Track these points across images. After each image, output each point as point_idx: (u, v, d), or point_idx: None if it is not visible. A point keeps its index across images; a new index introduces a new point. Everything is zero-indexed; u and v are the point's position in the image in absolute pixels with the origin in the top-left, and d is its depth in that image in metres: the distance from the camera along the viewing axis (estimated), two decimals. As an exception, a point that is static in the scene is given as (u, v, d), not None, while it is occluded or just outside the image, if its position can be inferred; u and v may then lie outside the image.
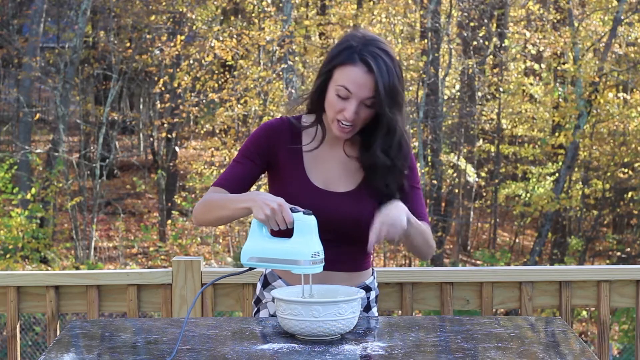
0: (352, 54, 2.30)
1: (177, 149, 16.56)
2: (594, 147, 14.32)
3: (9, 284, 2.94)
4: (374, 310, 2.50)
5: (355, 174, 2.41)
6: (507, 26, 15.14)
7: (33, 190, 12.56)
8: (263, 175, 2.50)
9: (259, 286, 2.52)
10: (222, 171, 13.72)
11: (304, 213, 2.15)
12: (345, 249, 2.36)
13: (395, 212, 2.23)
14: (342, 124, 2.32)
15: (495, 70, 15.33)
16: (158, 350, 1.98)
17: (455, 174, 15.22)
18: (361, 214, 2.36)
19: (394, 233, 2.23)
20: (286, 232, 2.18)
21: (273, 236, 2.21)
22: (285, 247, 2.15)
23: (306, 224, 2.14)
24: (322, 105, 2.39)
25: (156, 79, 15.07)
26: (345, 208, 2.35)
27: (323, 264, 2.15)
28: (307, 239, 2.13)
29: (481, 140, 15.70)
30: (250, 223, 14.43)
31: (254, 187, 2.50)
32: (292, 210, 2.15)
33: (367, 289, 2.46)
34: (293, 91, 13.25)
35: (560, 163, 14.24)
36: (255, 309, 2.52)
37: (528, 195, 14.52)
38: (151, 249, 14.39)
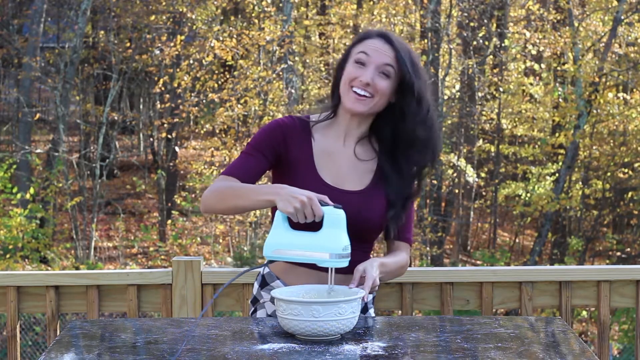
0: (368, 33, 2.41)
1: (177, 149, 16.56)
2: (594, 147, 14.31)
3: (9, 284, 2.94)
4: (371, 311, 2.51)
5: (364, 175, 2.43)
6: (507, 26, 15.13)
7: (32, 190, 12.56)
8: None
9: (256, 286, 2.51)
10: (222, 171, 13.73)
11: (334, 207, 2.14)
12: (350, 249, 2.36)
13: (372, 271, 2.26)
14: (357, 92, 2.35)
15: (495, 70, 15.33)
16: (158, 350, 1.98)
17: (455, 174, 15.22)
18: (372, 212, 2.38)
19: (377, 283, 2.28)
20: (307, 226, 2.18)
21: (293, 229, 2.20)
22: (314, 241, 2.14)
23: (337, 218, 2.14)
24: (338, 96, 2.42)
25: (156, 79, 15.07)
26: (356, 206, 2.36)
27: (349, 258, 2.16)
28: (337, 233, 2.13)
29: (481, 140, 15.70)
30: (250, 223, 14.32)
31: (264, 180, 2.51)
32: (321, 203, 2.15)
33: None
34: (293, 91, 13.25)
35: (560, 163, 14.24)
36: (252, 308, 2.51)
37: (528, 195, 14.52)
38: (151, 249, 14.39)
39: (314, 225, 2.16)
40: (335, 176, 2.40)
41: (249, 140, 2.47)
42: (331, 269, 2.16)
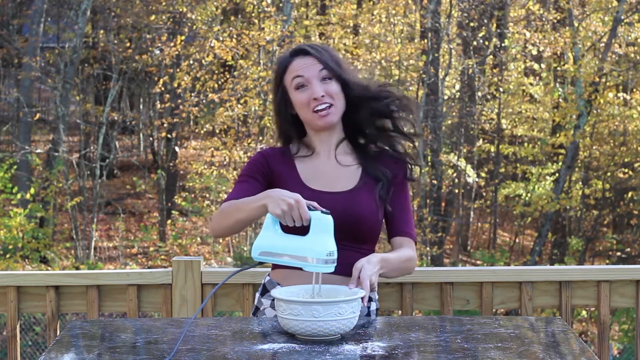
0: (284, 57, 2.49)
1: (177, 149, 16.56)
2: (594, 147, 14.32)
3: (9, 284, 2.94)
4: (373, 305, 2.49)
5: (351, 177, 2.46)
6: (507, 26, 15.13)
7: (32, 190, 12.56)
8: None
9: (257, 295, 2.53)
10: (222, 171, 13.75)
11: (322, 212, 2.14)
12: (345, 251, 2.34)
13: (370, 269, 2.26)
14: (319, 109, 2.41)
15: (495, 70, 15.33)
16: (158, 350, 1.98)
17: (455, 174, 15.22)
18: (361, 207, 2.40)
19: (374, 281, 2.27)
20: (298, 230, 2.18)
21: (284, 232, 2.20)
22: (299, 244, 2.14)
23: (323, 223, 2.14)
24: (297, 125, 2.49)
25: (156, 79, 15.07)
26: (346, 204, 2.38)
27: (335, 264, 2.15)
28: (323, 238, 2.13)
29: (481, 140, 15.70)
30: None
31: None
32: (309, 208, 2.15)
33: (368, 298, 2.44)
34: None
35: (560, 163, 14.24)
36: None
37: (528, 195, 14.52)
38: (151, 249, 14.39)
39: (305, 231, 2.16)
40: (323, 183, 2.44)
41: (238, 174, 2.56)
42: (316, 273, 2.16)
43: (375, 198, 2.42)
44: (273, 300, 2.43)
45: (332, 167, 2.47)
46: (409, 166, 2.52)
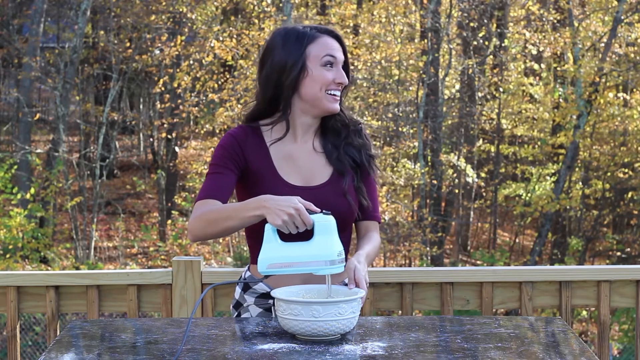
0: (313, 31, 2.41)
1: (177, 149, 16.56)
2: (594, 147, 14.32)
3: (9, 284, 2.94)
4: None
5: (325, 167, 2.43)
6: (507, 26, 15.13)
7: (32, 190, 12.56)
8: None
9: (238, 290, 2.50)
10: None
11: (323, 213, 2.13)
12: None
13: (362, 268, 2.27)
14: (335, 93, 2.39)
15: (495, 70, 15.33)
16: (158, 350, 1.98)
17: (455, 174, 15.22)
18: (341, 201, 2.39)
19: (367, 280, 2.28)
20: (297, 234, 2.16)
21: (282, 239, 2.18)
22: (308, 251, 2.12)
23: (327, 225, 2.13)
24: (290, 99, 2.39)
25: (156, 79, 15.08)
26: (325, 198, 2.36)
27: (344, 263, 2.16)
28: (329, 239, 2.12)
29: (481, 140, 15.70)
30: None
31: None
32: (309, 212, 2.13)
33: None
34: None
35: (560, 163, 14.24)
36: (236, 313, 2.49)
37: (528, 195, 14.51)
38: (151, 249, 14.39)
39: (305, 232, 2.15)
40: (300, 176, 2.40)
41: (210, 161, 2.45)
42: (328, 275, 2.15)
43: (352, 189, 2.42)
44: (257, 297, 2.43)
45: (308, 153, 2.43)
46: (369, 144, 2.50)
